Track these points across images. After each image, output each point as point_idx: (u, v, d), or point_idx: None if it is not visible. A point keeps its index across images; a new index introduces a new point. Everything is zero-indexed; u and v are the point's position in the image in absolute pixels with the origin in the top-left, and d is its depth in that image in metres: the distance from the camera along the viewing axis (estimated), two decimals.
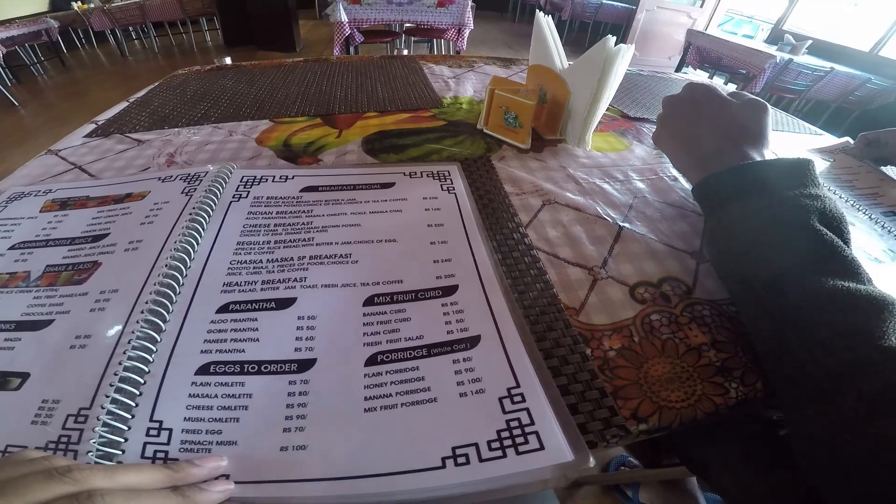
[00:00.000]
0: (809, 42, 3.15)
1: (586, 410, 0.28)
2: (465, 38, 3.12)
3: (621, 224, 0.46)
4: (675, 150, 0.50)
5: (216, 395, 0.28)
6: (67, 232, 0.41)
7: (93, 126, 0.68)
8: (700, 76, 3.53)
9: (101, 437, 0.25)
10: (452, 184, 0.49)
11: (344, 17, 2.86)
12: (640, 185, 0.55)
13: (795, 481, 0.33)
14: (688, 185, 0.51)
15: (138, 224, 0.41)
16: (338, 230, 0.41)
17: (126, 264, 0.37)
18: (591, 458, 0.24)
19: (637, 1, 5.05)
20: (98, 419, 0.26)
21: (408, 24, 3.18)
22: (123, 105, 0.77)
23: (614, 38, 0.53)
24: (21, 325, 0.32)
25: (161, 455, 0.25)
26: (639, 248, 0.43)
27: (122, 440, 0.25)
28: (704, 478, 0.47)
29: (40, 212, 0.44)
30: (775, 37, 3.88)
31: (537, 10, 0.65)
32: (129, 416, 0.27)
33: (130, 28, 4.74)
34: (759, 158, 0.40)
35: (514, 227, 0.44)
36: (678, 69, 3.88)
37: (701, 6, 4.87)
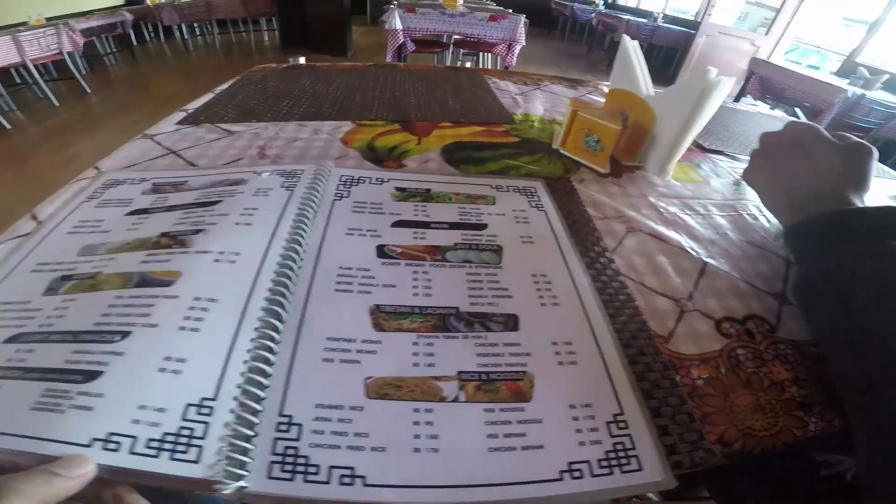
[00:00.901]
0: (886, 77, 2.96)
1: (675, 433, 0.29)
2: (515, 54, 3.15)
3: (706, 260, 0.46)
4: (769, 188, 0.49)
5: (345, 388, 0.28)
6: (180, 200, 0.44)
7: (183, 114, 0.71)
8: (761, 107, 3.44)
9: (234, 430, 0.25)
10: (540, 200, 0.50)
11: (398, 25, 2.95)
12: (721, 220, 0.54)
13: None
14: (768, 224, 0.50)
15: (245, 203, 0.43)
16: (436, 234, 0.42)
17: (241, 236, 0.38)
18: (674, 481, 0.26)
19: (696, 25, 4.97)
20: (231, 412, 0.26)
21: (456, 37, 3.24)
22: (209, 96, 0.81)
23: (716, 70, 0.52)
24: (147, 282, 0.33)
25: (291, 452, 0.25)
26: (723, 284, 0.43)
27: (253, 434, 0.25)
28: None
29: (142, 194, 0.46)
30: (846, 69, 3.73)
31: (624, 36, 0.65)
32: (260, 409, 0.26)
33: (195, 24, 5.02)
34: (859, 204, 0.39)
35: (600, 252, 0.44)
36: (737, 99, 3.76)
37: (766, 33, 4.71)
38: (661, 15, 5.55)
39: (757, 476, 0.42)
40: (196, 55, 4.76)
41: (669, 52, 5.32)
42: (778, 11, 4.52)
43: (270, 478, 0.24)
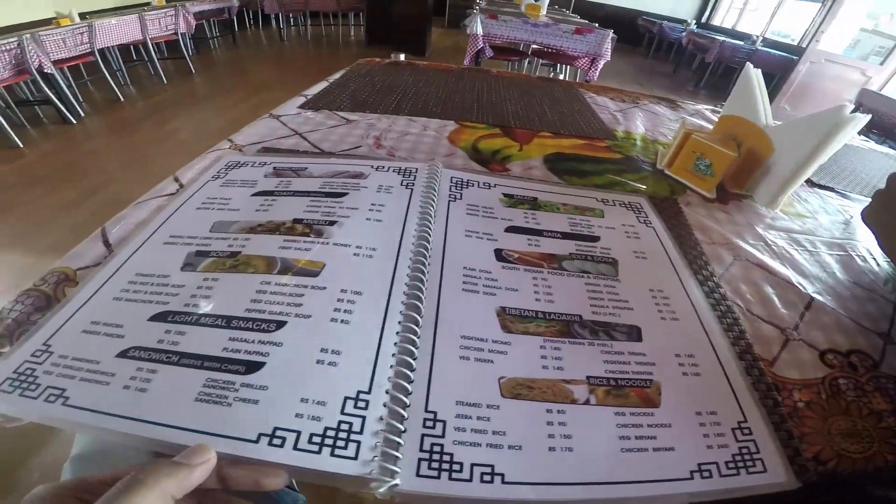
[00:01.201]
0: None
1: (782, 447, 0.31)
2: (598, 69, 3.09)
3: (812, 295, 0.45)
4: (891, 232, 0.46)
5: (481, 386, 0.29)
6: (304, 187, 0.46)
7: (303, 99, 0.78)
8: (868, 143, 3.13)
9: (388, 425, 0.25)
10: (648, 217, 0.50)
11: (480, 31, 2.97)
12: (829, 259, 0.52)
13: None
14: (878, 268, 0.49)
15: (371, 199, 0.45)
16: (550, 242, 0.44)
17: (374, 232, 0.40)
18: (796, 482, 0.28)
19: (799, 51, 4.62)
20: (384, 405, 0.26)
21: (535, 46, 3.21)
22: (324, 84, 0.87)
23: (852, 105, 0.50)
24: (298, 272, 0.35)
25: (437, 449, 0.26)
26: (829, 319, 0.43)
27: (403, 430, 0.26)
28: None
29: (264, 177, 0.49)
30: None
31: (748, 64, 0.63)
32: (408, 404, 0.27)
33: (291, 15, 5.34)
34: None
35: (708, 275, 0.44)
36: None
37: (881, 63, 4.29)
38: (761, 38, 5.22)
39: None
40: (288, 45, 5.05)
41: (766, 77, 4.92)
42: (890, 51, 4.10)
43: (419, 475, 0.24)
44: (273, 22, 5.33)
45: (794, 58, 4.63)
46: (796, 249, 0.52)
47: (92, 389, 0.26)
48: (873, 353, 0.39)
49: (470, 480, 0.24)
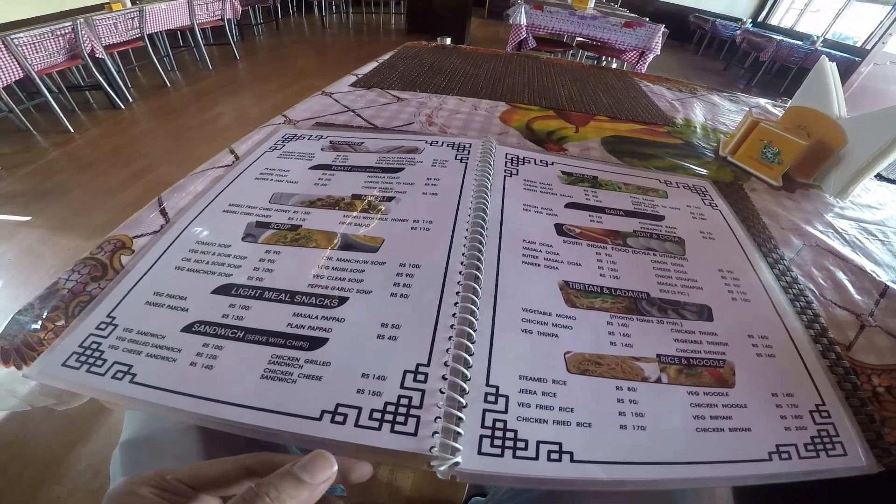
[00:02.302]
0: None
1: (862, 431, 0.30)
2: (647, 63, 2.99)
3: (888, 283, 0.43)
4: None
5: (546, 360, 0.28)
6: (361, 162, 0.47)
7: (354, 78, 0.78)
8: None
9: (448, 398, 0.24)
10: (713, 200, 0.48)
11: (523, 21, 2.93)
12: None
13: None
14: None
15: (427, 174, 0.45)
16: (613, 220, 0.43)
17: (430, 205, 0.40)
18: (878, 466, 0.27)
19: (862, 52, 4.36)
20: (443, 378, 0.25)
21: (579, 38, 3.14)
22: (374, 64, 0.88)
23: None
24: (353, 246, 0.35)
25: (500, 426, 0.25)
26: None
27: (464, 404, 0.25)
28: None
29: (321, 150, 0.49)
30: None
31: (823, 57, 0.61)
32: (469, 377, 0.26)
33: (333, 2, 5.41)
34: None
35: (778, 258, 0.42)
36: None
37: None
38: (821, 39, 4.94)
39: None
40: (330, 32, 5.10)
41: None
42: None
43: (481, 453, 0.23)
44: (315, 9, 5.41)
45: (856, 59, 4.39)
46: (868, 238, 0.51)
47: (159, 366, 0.25)
48: None
49: (536, 458, 0.23)
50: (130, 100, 2.77)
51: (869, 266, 0.45)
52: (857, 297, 0.41)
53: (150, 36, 2.95)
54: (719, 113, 0.84)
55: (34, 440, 0.95)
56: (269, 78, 3.39)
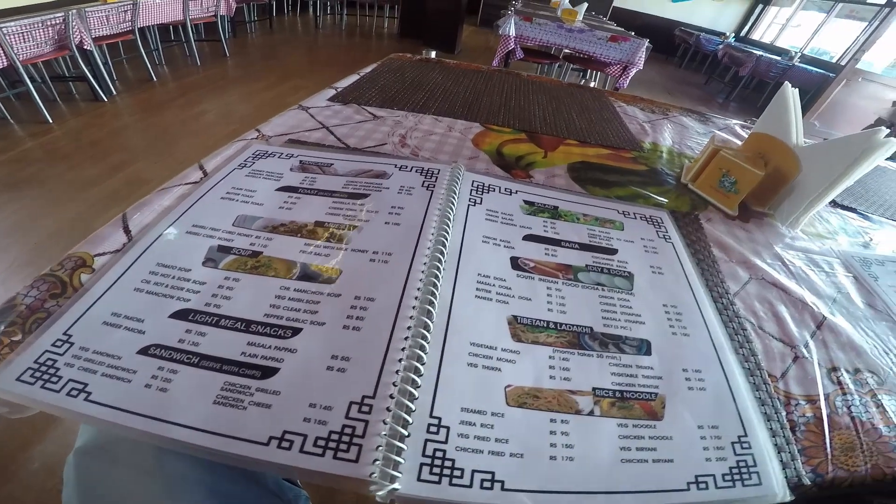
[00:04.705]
0: None
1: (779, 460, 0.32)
2: (630, 77, 3.04)
3: (825, 314, 0.46)
4: None
5: (487, 394, 0.30)
6: (328, 185, 0.47)
7: (333, 91, 0.79)
8: None
9: (391, 429, 0.26)
10: (667, 232, 0.50)
11: (513, 32, 2.95)
12: (845, 280, 0.52)
13: None
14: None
15: (391, 201, 0.46)
16: (568, 253, 0.44)
17: (392, 236, 0.41)
18: (790, 495, 0.29)
19: (836, 68, 4.49)
20: (388, 410, 0.27)
21: (566, 51, 3.18)
22: (355, 78, 0.88)
23: (888, 130, 0.49)
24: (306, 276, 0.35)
25: (440, 455, 0.26)
26: (840, 339, 0.43)
27: (406, 434, 0.26)
28: None
29: (290, 171, 0.49)
30: None
31: (786, 83, 0.62)
32: (413, 409, 0.28)
33: (328, 3, 5.40)
34: None
35: (722, 293, 0.44)
36: None
37: None
38: (799, 54, 5.08)
39: None
40: (323, 33, 5.08)
41: (801, 94, 4.81)
42: None
43: (420, 480, 0.25)
44: (310, 9, 5.39)
45: (831, 75, 4.52)
46: (813, 270, 0.53)
47: (114, 386, 0.26)
48: (881, 373, 0.40)
49: (470, 486, 0.25)
50: (114, 92, 2.73)
51: (810, 298, 0.47)
52: (794, 329, 0.43)
53: (142, 29, 2.91)
54: (688, 136, 0.87)
55: None
56: (258, 76, 3.36)
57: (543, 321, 0.36)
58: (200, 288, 0.33)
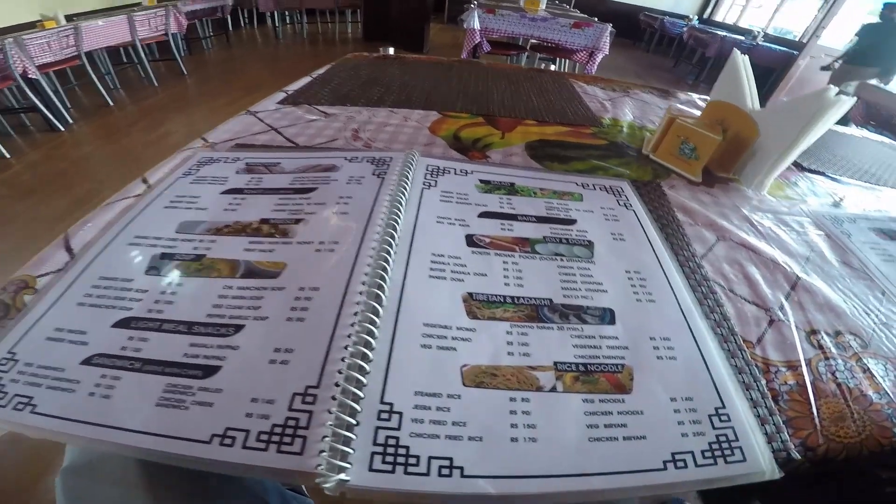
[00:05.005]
0: None
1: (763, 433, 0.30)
2: (597, 63, 3.07)
3: (798, 275, 0.44)
4: None
5: (442, 375, 0.28)
6: (274, 183, 0.45)
7: (283, 94, 0.76)
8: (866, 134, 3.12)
9: (337, 418, 0.25)
10: (628, 200, 0.49)
11: (477, 25, 2.95)
12: (817, 239, 0.51)
13: None
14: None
15: (339, 192, 0.44)
16: (524, 226, 0.43)
17: (339, 225, 0.40)
18: (779, 472, 0.27)
19: (799, 46, 4.62)
20: (333, 398, 0.26)
21: (533, 41, 3.19)
22: (307, 80, 0.86)
23: (836, 88, 0.50)
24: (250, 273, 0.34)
25: (392, 442, 0.25)
26: (817, 299, 0.42)
27: (355, 423, 0.25)
28: None
29: (236, 173, 0.48)
30: None
31: (735, 50, 0.62)
32: (362, 396, 0.26)
33: (287, 13, 5.33)
34: None
35: (689, 256, 0.43)
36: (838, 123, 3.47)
37: None
38: (762, 33, 5.21)
39: (815, 490, 0.40)
40: (284, 43, 5.01)
41: (765, 72, 4.96)
42: None
43: (372, 470, 0.24)
44: (269, 20, 5.31)
45: (795, 53, 4.65)
46: (783, 230, 0.52)
47: (59, 397, 0.26)
48: (863, 334, 0.39)
49: (427, 474, 0.24)
50: (70, 121, 2.64)
51: (782, 258, 0.46)
52: (767, 291, 0.42)
53: (89, 54, 2.81)
54: (649, 111, 0.86)
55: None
56: (220, 92, 3.29)
57: (500, 296, 0.35)
58: (143, 296, 0.33)
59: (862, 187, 0.69)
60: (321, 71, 0.92)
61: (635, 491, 0.25)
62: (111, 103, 2.94)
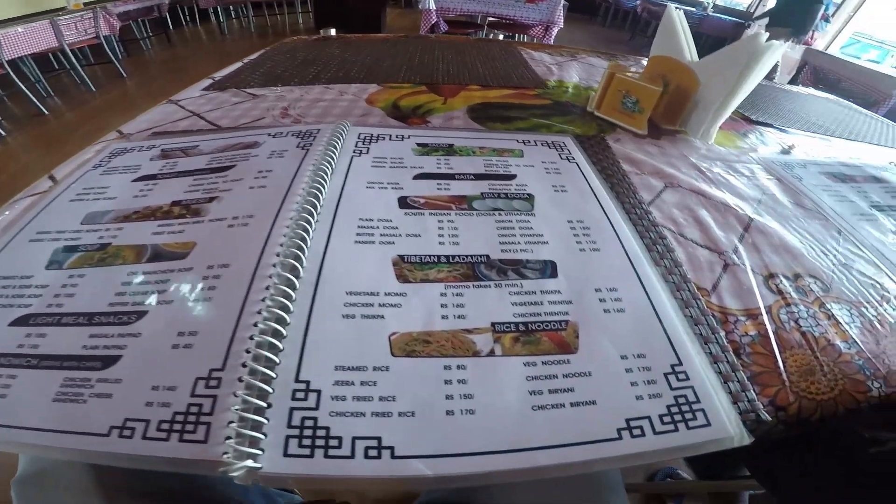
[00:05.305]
0: None
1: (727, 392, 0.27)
2: (553, 37, 3.06)
3: (751, 216, 0.43)
4: None
5: (368, 346, 0.26)
6: (190, 166, 0.42)
7: (210, 81, 0.71)
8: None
9: (244, 401, 0.22)
10: (571, 153, 0.47)
11: (432, 5, 2.90)
12: (768, 182, 0.51)
13: (876, 501, 0.31)
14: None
15: (259, 167, 0.41)
16: (462, 185, 0.40)
17: (255, 199, 0.37)
18: (749, 437, 0.24)
19: (748, 15, 4.76)
20: (239, 380, 0.23)
21: (491, 18, 3.16)
22: (238, 65, 0.81)
23: (767, 34, 0.50)
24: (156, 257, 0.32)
25: (310, 423, 0.22)
26: (772, 241, 0.40)
27: (266, 406, 0.23)
28: (772, 491, 0.42)
29: (150, 160, 0.44)
30: None
31: (669, 4, 0.62)
32: (273, 376, 0.24)
33: (231, 7, 5.09)
34: None
35: (635, 203, 0.42)
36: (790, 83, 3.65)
37: (825, 27, 4.50)
38: (712, 4, 5.34)
39: (800, 453, 0.39)
40: (231, 38, 4.79)
41: (716, 42, 5.07)
42: (839, 5, 4.27)
43: (288, 455, 0.21)
44: (211, 16, 5.06)
45: (744, 22, 4.77)
46: (733, 175, 0.51)
47: None
48: (823, 276, 0.37)
49: (351, 457, 0.21)
50: (3, 133, 2.45)
51: (733, 201, 0.45)
52: (719, 233, 0.40)
53: (13, 62, 2.60)
54: (596, 74, 0.85)
55: None
56: (167, 91, 3.00)
57: (434, 256, 0.32)
58: (42, 291, 0.30)
59: (811, 137, 0.70)
60: (254, 56, 0.87)
61: (588, 465, 0.22)
62: (45, 112, 2.75)
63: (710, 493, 0.90)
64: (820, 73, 3.27)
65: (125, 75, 3.45)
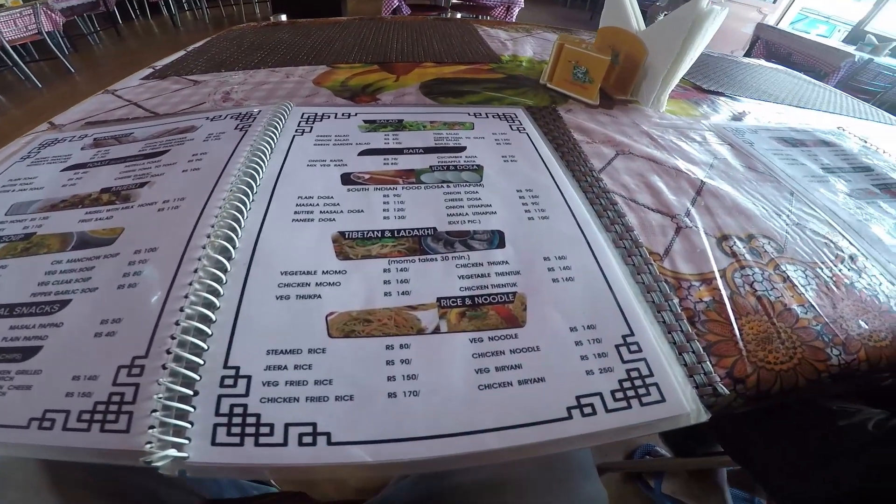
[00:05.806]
0: (894, 44, 2.94)
1: (682, 364, 0.26)
2: (514, 17, 3.04)
3: (703, 179, 0.43)
4: None
5: (303, 328, 0.25)
6: (122, 153, 0.40)
7: (150, 70, 0.68)
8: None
9: (168, 389, 0.22)
10: (522, 125, 0.47)
11: None
12: (720, 148, 0.51)
13: (849, 473, 0.31)
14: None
15: (194, 150, 0.39)
16: (410, 159, 0.39)
17: (188, 182, 0.35)
18: (706, 414, 0.22)
19: None
20: (163, 367, 0.22)
21: (454, 1, 3.12)
22: (181, 53, 0.77)
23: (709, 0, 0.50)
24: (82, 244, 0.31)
25: (239, 411, 0.21)
26: (725, 203, 0.40)
27: (192, 393, 0.22)
28: (747, 467, 0.44)
29: (81, 150, 0.42)
30: (854, 37, 3.63)
31: None
32: (200, 363, 0.23)
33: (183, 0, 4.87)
34: None
35: (586, 171, 0.42)
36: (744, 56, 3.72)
37: (774, 2, 4.60)
38: None
39: (770, 427, 0.39)
40: (185, 31, 4.58)
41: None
42: None
43: (216, 444, 0.20)
44: (163, 9, 4.83)
45: (716, 5, 4.83)
46: (685, 142, 0.51)
47: None
48: (777, 237, 0.36)
49: (284, 444, 0.20)
50: None
51: (684, 166, 0.45)
52: (671, 197, 0.40)
53: None
54: (550, 48, 0.84)
55: None
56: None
57: (378, 231, 0.31)
58: None
59: (762, 105, 0.71)
60: (199, 44, 0.83)
61: (538, 448, 0.21)
62: None
63: (688, 471, 0.91)
64: (772, 47, 3.38)
65: (73, 71, 3.28)
